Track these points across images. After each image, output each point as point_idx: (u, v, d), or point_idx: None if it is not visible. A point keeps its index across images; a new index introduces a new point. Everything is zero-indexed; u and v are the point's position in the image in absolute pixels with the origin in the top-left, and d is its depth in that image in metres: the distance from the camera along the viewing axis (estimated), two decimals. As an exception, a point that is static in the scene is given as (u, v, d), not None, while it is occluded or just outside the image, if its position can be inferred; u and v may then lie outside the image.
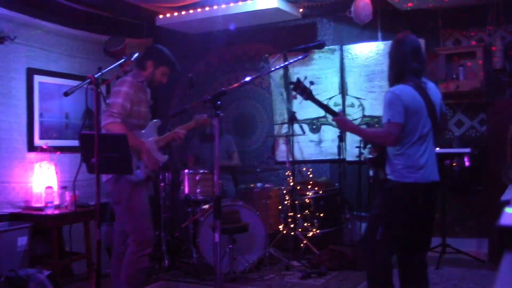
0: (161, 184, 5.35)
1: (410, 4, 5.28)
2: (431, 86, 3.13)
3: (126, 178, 3.54)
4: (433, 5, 5.31)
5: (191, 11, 5.87)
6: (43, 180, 5.02)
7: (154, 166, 3.70)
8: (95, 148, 3.01)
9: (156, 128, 3.85)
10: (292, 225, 5.36)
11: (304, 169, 6.05)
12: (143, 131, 3.74)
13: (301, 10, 5.97)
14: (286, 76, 6.26)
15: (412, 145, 3.01)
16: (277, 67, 3.22)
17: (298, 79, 3.09)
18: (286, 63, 3.15)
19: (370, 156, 3.32)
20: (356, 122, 5.84)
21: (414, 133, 3.01)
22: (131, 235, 3.58)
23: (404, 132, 2.99)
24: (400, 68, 3.06)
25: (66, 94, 3.19)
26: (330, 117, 5.74)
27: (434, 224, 3.24)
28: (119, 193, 3.59)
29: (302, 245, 5.34)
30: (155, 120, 3.86)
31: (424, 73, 3.11)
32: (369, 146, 3.55)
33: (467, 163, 5.08)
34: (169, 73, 3.86)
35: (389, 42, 3.33)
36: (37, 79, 5.25)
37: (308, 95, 3.09)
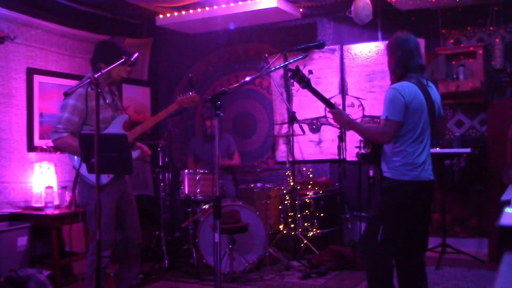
0: (161, 184, 5.35)
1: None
2: (432, 86, 3.14)
3: (86, 181, 3.52)
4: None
5: (191, 11, 5.87)
6: (43, 180, 5.02)
7: None
8: (95, 148, 3.01)
9: (122, 125, 3.68)
10: (292, 225, 5.36)
11: (304, 169, 6.05)
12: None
13: (301, 10, 5.97)
14: (286, 76, 6.26)
15: (412, 143, 3.00)
16: (277, 67, 3.21)
17: (297, 67, 3.08)
18: (286, 63, 3.15)
19: (363, 151, 3.31)
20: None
21: (414, 130, 3.00)
22: (92, 236, 3.61)
23: (404, 129, 2.99)
24: (407, 65, 3.05)
25: (66, 94, 3.19)
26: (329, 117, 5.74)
27: (430, 224, 3.24)
28: (81, 196, 3.63)
29: (302, 245, 5.34)
30: (120, 116, 3.69)
31: (426, 70, 3.13)
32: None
33: (463, 163, 5.08)
34: (126, 66, 3.62)
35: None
36: (37, 79, 5.25)
37: (306, 84, 3.07)
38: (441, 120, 3.24)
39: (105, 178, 3.56)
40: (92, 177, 3.50)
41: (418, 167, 3.00)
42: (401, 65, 3.07)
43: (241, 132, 6.62)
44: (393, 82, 3.10)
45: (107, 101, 3.66)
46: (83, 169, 3.38)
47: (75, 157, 3.56)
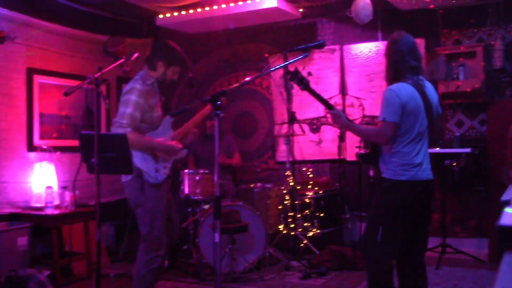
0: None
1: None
2: (428, 85, 3.13)
3: (145, 180, 3.49)
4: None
5: (191, 11, 5.87)
6: (43, 180, 5.02)
7: (177, 154, 3.65)
8: (95, 148, 3.01)
9: (170, 124, 3.77)
10: (292, 225, 5.36)
11: (304, 169, 6.05)
12: (157, 131, 3.66)
13: (301, 10, 5.97)
14: (286, 76, 6.25)
15: (409, 143, 3.01)
16: (277, 67, 3.21)
17: (296, 69, 3.08)
18: (286, 63, 3.15)
19: (362, 152, 3.31)
20: (356, 122, 5.83)
21: (411, 131, 3.00)
22: (146, 236, 3.55)
23: (401, 130, 2.99)
24: (398, 67, 3.06)
25: (66, 94, 3.19)
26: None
27: (430, 224, 3.24)
28: (137, 195, 3.52)
29: (302, 245, 5.34)
30: (167, 117, 3.76)
31: (422, 70, 3.12)
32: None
33: (462, 163, 5.08)
34: (179, 70, 3.77)
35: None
36: (37, 79, 5.25)
37: (305, 85, 3.08)
38: (438, 118, 3.24)
39: (161, 176, 3.54)
40: (155, 175, 3.51)
41: (415, 167, 3.00)
42: (393, 67, 3.09)
43: (241, 132, 6.62)
44: (388, 83, 3.10)
45: (156, 101, 3.67)
46: (147, 167, 3.44)
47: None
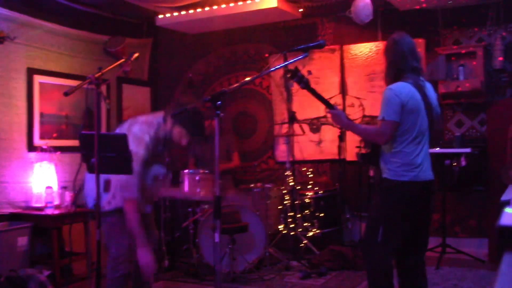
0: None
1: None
2: (428, 86, 3.14)
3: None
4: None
5: (191, 11, 5.87)
6: (43, 180, 5.02)
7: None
8: (95, 148, 3.01)
9: (167, 181, 3.62)
10: (292, 225, 5.36)
11: (304, 169, 6.05)
12: (149, 175, 3.46)
13: (301, 10, 5.97)
14: (286, 76, 6.26)
15: (410, 143, 3.01)
16: (277, 67, 3.21)
17: (296, 68, 3.08)
18: (286, 63, 3.15)
19: (362, 152, 3.32)
20: (356, 122, 5.83)
21: (411, 131, 3.00)
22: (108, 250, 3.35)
23: (401, 130, 2.99)
24: (399, 68, 3.06)
25: (66, 94, 3.19)
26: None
27: (430, 224, 3.24)
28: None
29: (302, 245, 5.34)
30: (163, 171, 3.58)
31: (422, 71, 3.12)
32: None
33: (463, 163, 5.08)
34: (188, 136, 3.44)
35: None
36: (37, 79, 5.25)
37: (305, 84, 3.08)
38: (438, 119, 3.24)
39: (108, 205, 3.31)
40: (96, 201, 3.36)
41: (417, 168, 3.00)
42: (393, 67, 3.08)
43: (241, 132, 6.62)
44: (387, 84, 3.10)
45: (159, 149, 3.45)
46: (89, 192, 3.33)
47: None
